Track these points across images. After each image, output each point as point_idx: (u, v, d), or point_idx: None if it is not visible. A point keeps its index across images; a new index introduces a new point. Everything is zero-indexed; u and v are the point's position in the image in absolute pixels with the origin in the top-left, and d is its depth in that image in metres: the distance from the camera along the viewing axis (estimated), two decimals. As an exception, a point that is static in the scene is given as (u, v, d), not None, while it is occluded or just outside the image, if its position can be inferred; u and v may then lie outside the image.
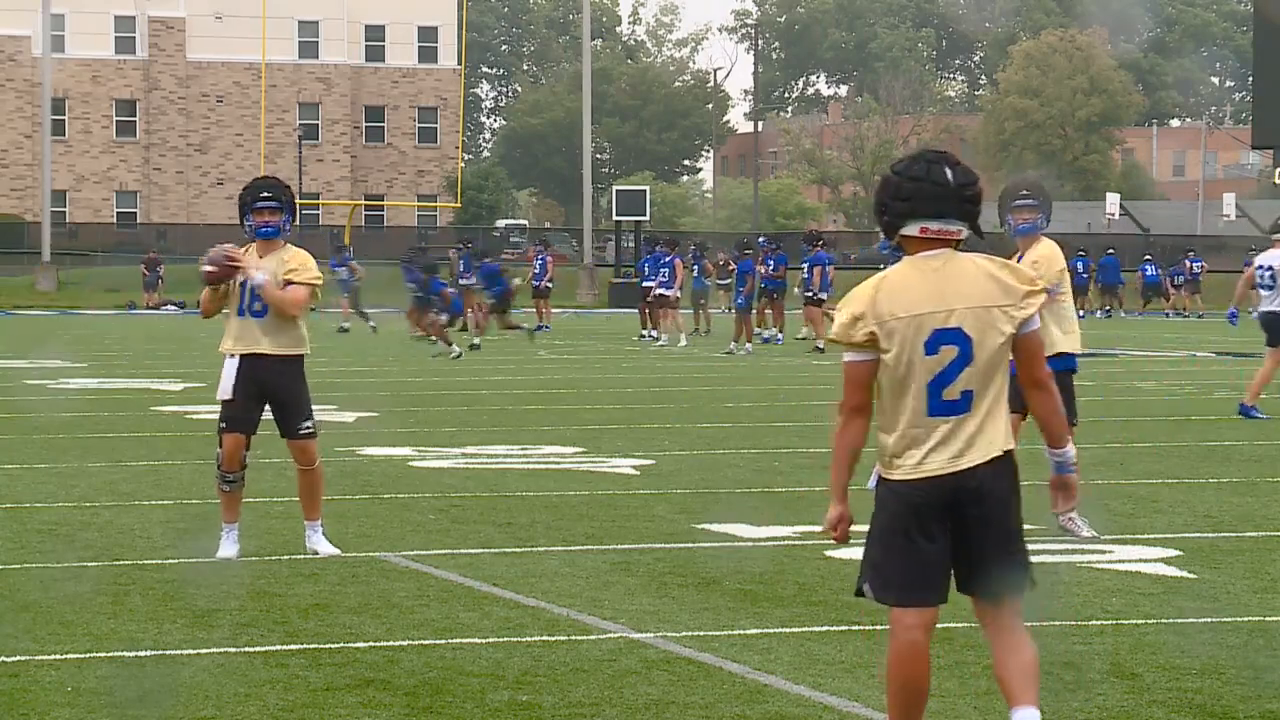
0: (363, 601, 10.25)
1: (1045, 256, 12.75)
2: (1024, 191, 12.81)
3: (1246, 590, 10.69)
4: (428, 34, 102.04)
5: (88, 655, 8.91)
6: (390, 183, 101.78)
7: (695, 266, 45.07)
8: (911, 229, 6.55)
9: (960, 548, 6.53)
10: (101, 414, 22.35)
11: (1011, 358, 6.59)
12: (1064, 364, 12.32)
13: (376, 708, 7.92)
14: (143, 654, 8.97)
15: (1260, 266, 21.89)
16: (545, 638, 9.32)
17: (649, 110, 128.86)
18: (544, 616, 9.86)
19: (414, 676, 8.47)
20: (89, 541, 12.43)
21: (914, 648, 6.58)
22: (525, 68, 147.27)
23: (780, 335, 41.46)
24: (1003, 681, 6.60)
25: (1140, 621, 9.73)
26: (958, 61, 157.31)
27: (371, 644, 9.16)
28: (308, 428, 11.78)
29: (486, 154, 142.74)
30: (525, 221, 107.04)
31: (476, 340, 39.21)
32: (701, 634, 9.38)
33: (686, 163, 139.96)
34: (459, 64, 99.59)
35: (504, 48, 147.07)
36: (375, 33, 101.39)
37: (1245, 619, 9.82)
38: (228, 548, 11.70)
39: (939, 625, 6.73)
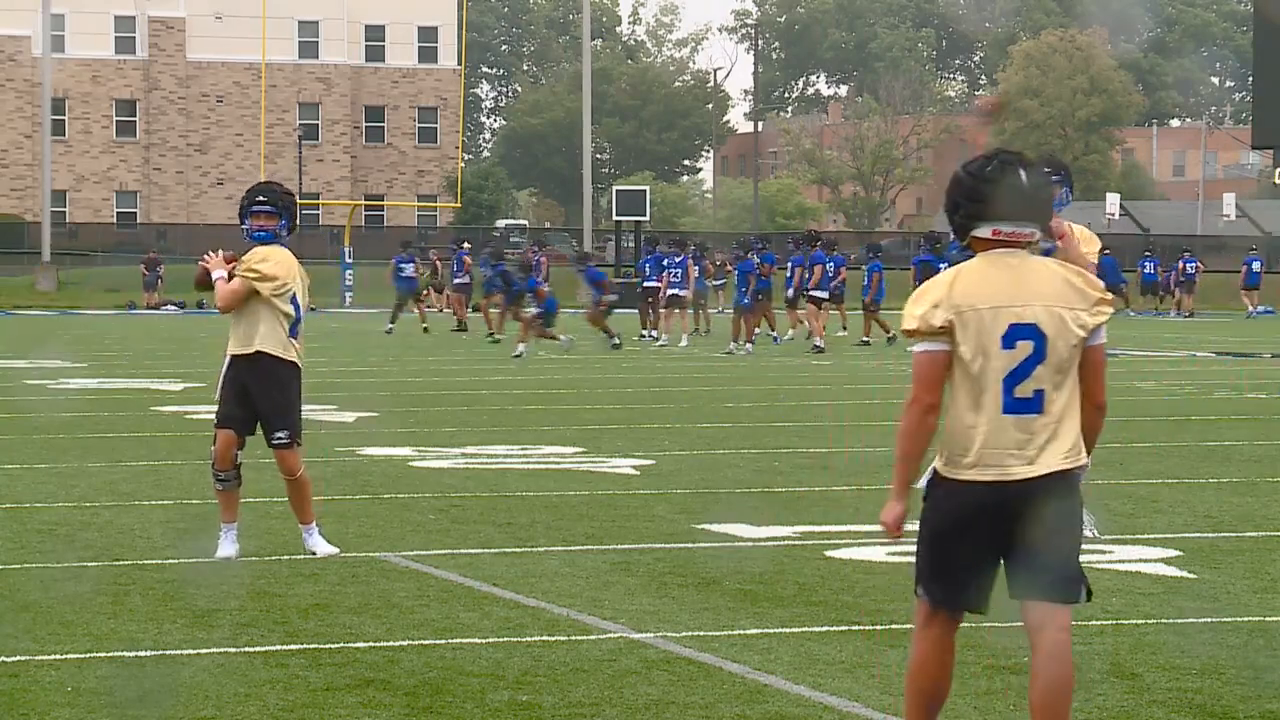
0: (363, 601, 10.25)
1: (1087, 236, 12.73)
2: (1046, 168, 12.69)
3: (1246, 590, 10.69)
4: (428, 34, 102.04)
5: (88, 655, 8.91)
6: (390, 183, 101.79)
7: (696, 267, 45.06)
8: (984, 231, 6.50)
9: (1016, 549, 6.44)
10: (101, 414, 22.35)
11: None
12: None
13: (376, 708, 7.92)
14: (143, 654, 8.97)
15: None
16: (545, 638, 9.32)
17: (649, 110, 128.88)
18: (544, 616, 9.86)
19: (414, 676, 8.47)
20: (89, 541, 12.43)
21: (946, 650, 6.54)
22: (525, 68, 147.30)
23: (776, 335, 41.56)
24: (1031, 703, 6.53)
25: (1140, 621, 9.73)
26: (958, 61, 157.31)
27: (371, 644, 9.16)
28: (281, 438, 11.71)
29: (486, 154, 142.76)
30: (525, 221, 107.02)
31: (499, 337, 39.56)
32: (701, 634, 9.38)
33: (686, 163, 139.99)
34: (459, 64, 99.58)
35: (504, 48, 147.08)
36: (375, 33, 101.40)
37: (1245, 619, 9.83)
38: (226, 548, 11.70)
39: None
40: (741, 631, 9.46)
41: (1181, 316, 62.66)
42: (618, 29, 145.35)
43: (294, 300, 11.71)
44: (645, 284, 43.75)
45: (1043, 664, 6.47)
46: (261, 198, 11.82)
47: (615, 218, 74.23)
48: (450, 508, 14.08)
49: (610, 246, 78.48)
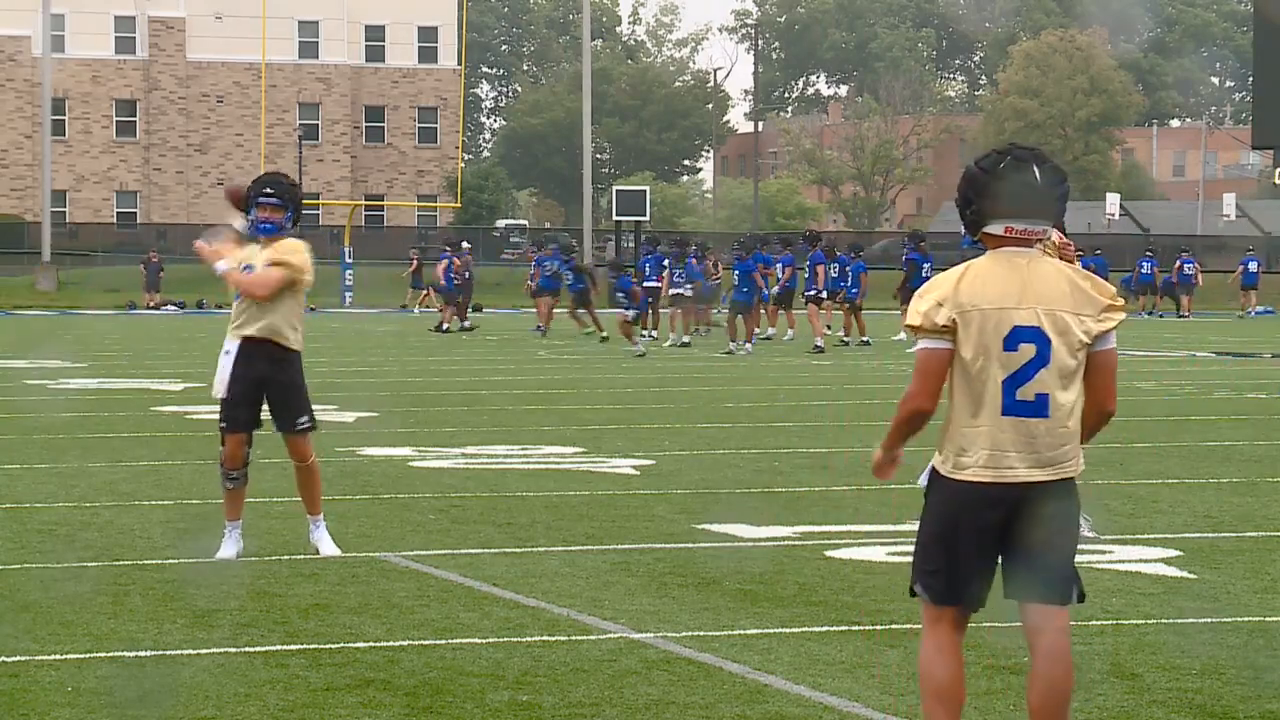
0: (363, 601, 10.25)
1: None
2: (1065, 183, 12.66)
3: (1246, 590, 10.69)
4: (428, 34, 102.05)
5: (88, 655, 8.91)
6: (390, 183, 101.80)
7: (699, 267, 45.06)
8: (996, 228, 6.47)
9: (1014, 550, 6.43)
10: (101, 414, 22.35)
11: None
12: None
13: (376, 708, 7.92)
14: (143, 654, 8.97)
15: None
16: (545, 638, 9.31)
17: (649, 110, 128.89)
18: (544, 616, 9.86)
19: (414, 676, 8.47)
20: (89, 541, 12.43)
21: (954, 647, 6.50)
22: (525, 68, 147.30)
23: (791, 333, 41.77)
24: (1030, 705, 6.53)
25: (1140, 621, 9.73)
26: (958, 61, 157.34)
27: (371, 644, 9.16)
28: (304, 423, 11.71)
29: (486, 154, 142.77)
30: (525, 221, 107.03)
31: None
32: (701, 634, 9.38)
33: (686, 163, 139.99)
34: (459, 64, 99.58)
35: (504, 48, 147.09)
36: (375, 33, 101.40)
37: (1245, 619, 9.83)
38: (229, 547, 11.68)
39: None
40: (741, 631, 9.46)
41: (1179, 317, 62.65)
42: (618, 29, 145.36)
43: None
44: (645, 284, 43.74)
45: (1042, 665, 6.47)
46: (269, 189, 11.71)
47: (615, 218, 74.25)
48: (450, 508, 14.08)
49: (610, 246, 78.50)
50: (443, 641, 9.25)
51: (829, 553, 11.86)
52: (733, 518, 13.39)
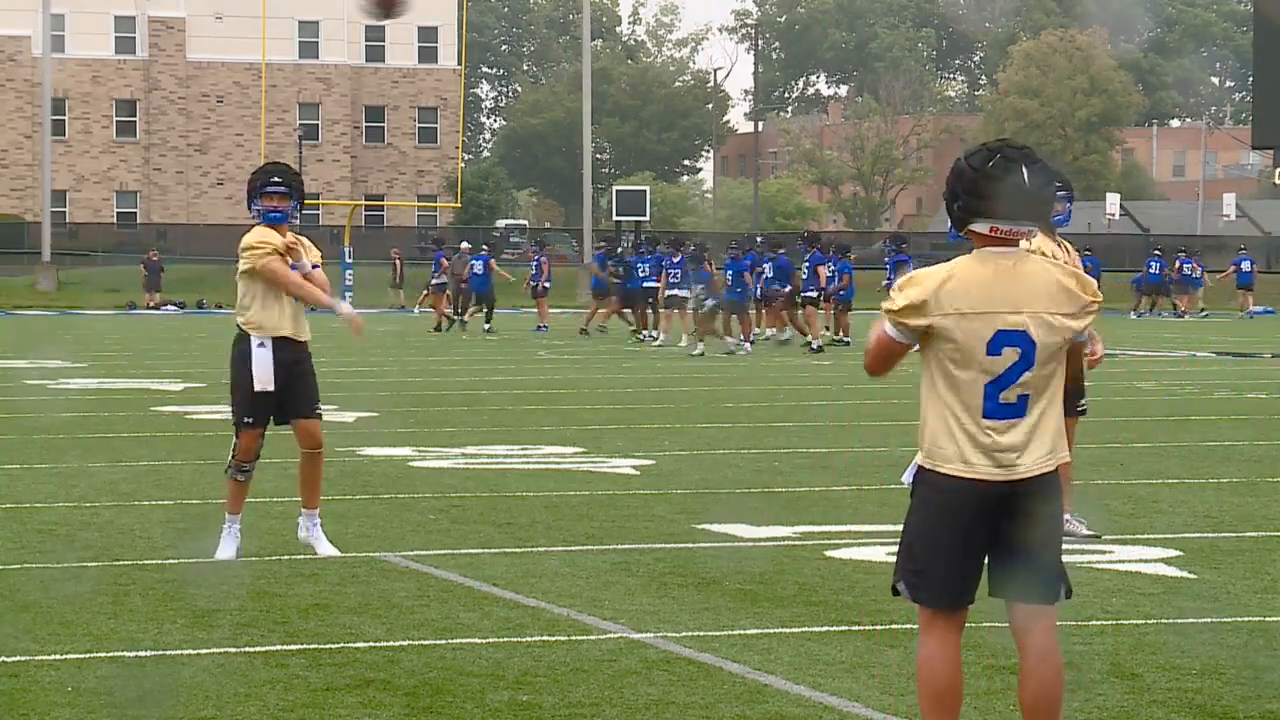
0: (363, 601, 10.25)
1: (1077, 258, 12.81)
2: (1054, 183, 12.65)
3: (1246, 590, 10.69)
4: (428, 34, 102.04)
5: (88, 655, 8.91)
6: (390, 183, 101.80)
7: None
8: (981, 227, 6.41)
9: (999, 549, 6.42)
10: (101, 414, 22.35)
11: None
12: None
13: (376, 708, 7.92)
14: (143, 654, 8.97)
15: None
16: (545, 638, 9.31)
17: (649, 110, 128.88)
18: (544, 616, 9.86)
19: (414, 676, 8.47)
20: (89, 541, 12.43)
21: (952, 651, 6.46)
22: (525, 68, 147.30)
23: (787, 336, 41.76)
24: (1020, 701, 6.53)
25: (1140, 621, 9.73)
26: (958, 61, 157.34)
27: (371, 644, 9.16)
28: (320, 410, 11.81)
29: (486, 154, 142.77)
30: (525, 221, 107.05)
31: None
32: (701, 634, 9.37)
33: (686, 163, 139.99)
34: (459, 64, 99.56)
35: (504, 48, 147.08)
36: (375, 33, 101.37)
37: (1245, 619, 9.83)
38: (229, 545, 11.64)
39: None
40: (741, 631, 9.45)
41: (1177, 317, 62.68)
42: (618, 29, 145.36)
43: None
44: (644, 284, 43.76)
45: (1034, 665, 6.46)
46: (277, 179, 11.73)
47: (615, 218, 74.27)
48: (450, 508, 14.08)
49: (631, 245, 78.42)
50: (443, 641, 9.25)
51: (829, 553, 11.86)
52: (733, 518, 13.39)
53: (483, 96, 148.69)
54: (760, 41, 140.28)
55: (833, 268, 40.41)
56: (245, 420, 11.70)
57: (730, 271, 38.14)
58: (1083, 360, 12.62)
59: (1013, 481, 6.38)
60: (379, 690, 8.21)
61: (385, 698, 8.08)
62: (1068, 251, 12.72)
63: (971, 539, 6.41)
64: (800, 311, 39.85)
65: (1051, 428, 6.43)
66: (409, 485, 15.46)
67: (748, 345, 37.42)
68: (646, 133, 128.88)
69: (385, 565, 11.48)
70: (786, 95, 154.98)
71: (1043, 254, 6.62)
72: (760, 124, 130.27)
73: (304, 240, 11.93)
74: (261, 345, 11.62)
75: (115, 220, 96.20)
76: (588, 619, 9.76)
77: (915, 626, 6.68)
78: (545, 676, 8.45)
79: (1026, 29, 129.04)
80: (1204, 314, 63.29)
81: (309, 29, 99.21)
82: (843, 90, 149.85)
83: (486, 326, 46.97)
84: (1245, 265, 64.05)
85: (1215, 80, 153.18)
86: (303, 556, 11.71)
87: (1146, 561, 11.59)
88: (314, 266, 11.82)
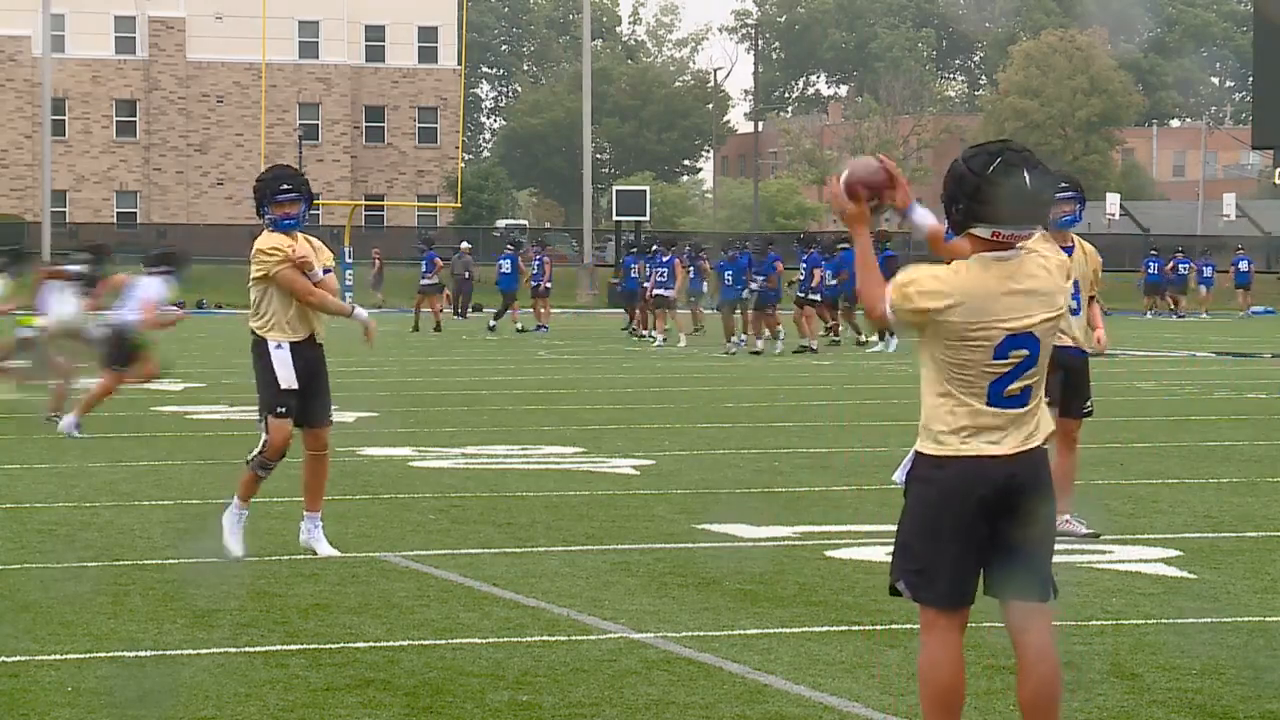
0: (363, 601, 10.25)
1: (1094, 253, 12.87)
2: (1063, 184, 12.68)
3: (1246, 590, 10.69)
4: (428, 34, 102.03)
5: (88, 655, 8.91)
6: (390, 183, 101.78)
7: (691, 267, 45.09)
8: (983, 231, 6.39)
9: (997, 548, 6.42)
10: (101, 414, 22.33)
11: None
12: (1082, 353, 12.53)
13: (376, 708, 7.92)
14: (143, 654, 8.97)
15: None
16: (545, 638, 9.31)
17: (649, 110, 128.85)
18: (544, 616, 9.86)
19: (414, 676, 8.47)
20: (89, 541, 12.43)
21: (954, 650, 6.44)
22: (525, 68, 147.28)
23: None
24: (1019, 699, 6.52)
25: (1140, 621, 9.73)
26: (958, 61, 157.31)
27: (371, 644, 9.16)
28: (332, 416, 12.02)
29: (486, 154, 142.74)
30: (525, 221, 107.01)
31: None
32: (701, 634, 9.37)
33: (686, 163, 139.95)
34: (459, 64, 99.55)
35: (504, 48, 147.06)
36: (375, 33, 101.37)
37: (1245, 619, 9.83)
38: (234, 539, 11.61)
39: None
40: (741, 631, 9.45)
41: (1170, 316, 62.71)
42: (618, 29, 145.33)
43: None
44: (645, 285, 43.83)
45: (1032, 663, 6.46)
46: (287, 185, 11.74)
47: (615, 218, 74.20)
48: (450, 508, 14.08)
49: (610, 246, 78.51)
50: (443, 641, 9.25)
51: (829, 553, 11.86)
52: (733, 518, 13.39)
53: (483, 96, 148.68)
54: (760, 41, 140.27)
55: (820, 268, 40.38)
56: (279, 410, 11.74)
57: (729, 271, 38.13)
58: (1089, 368, 12.68)
59: (1011, 457, 6.39)
60: (379, 690, 8.21)
61: (385, 698, 8.08)
62: (1083, 249, 12.76)
63: (971, 533, 6.40)
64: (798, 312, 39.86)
65: (1044, 410, 6.55)
66: (409, 485, 15.46)
67: (743, 338, 37.43)
68: (646, 133, 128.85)
69: (385, 565, 11.48)
70: (786, 95, 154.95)
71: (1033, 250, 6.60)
72: (760, 124, 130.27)
73: (314, 242, 11.93)
74: (279, 347, 11.67)
75: (115, 220, 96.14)
76: (588, 619, 9.76)
77: (916, 626, 6.68)
78: (545, 676, 8.45)
79: (1026, 29, 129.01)
80: (1188, 314, 63.35)
81: (309, 29, 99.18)
82: (843, 90, 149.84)
83: (492, 324, 47.10)
84: (1243, 265, 64.18)
85: (1215, 80, 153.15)
86: (303, 556, 11.71)
87: (1146, 561, 11.59)
88: (326, 271, 11.85)
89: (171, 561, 11.63)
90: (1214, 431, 20.54)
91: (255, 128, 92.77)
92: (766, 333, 37.57)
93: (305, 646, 9.10)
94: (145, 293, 20.18)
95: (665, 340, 40.89)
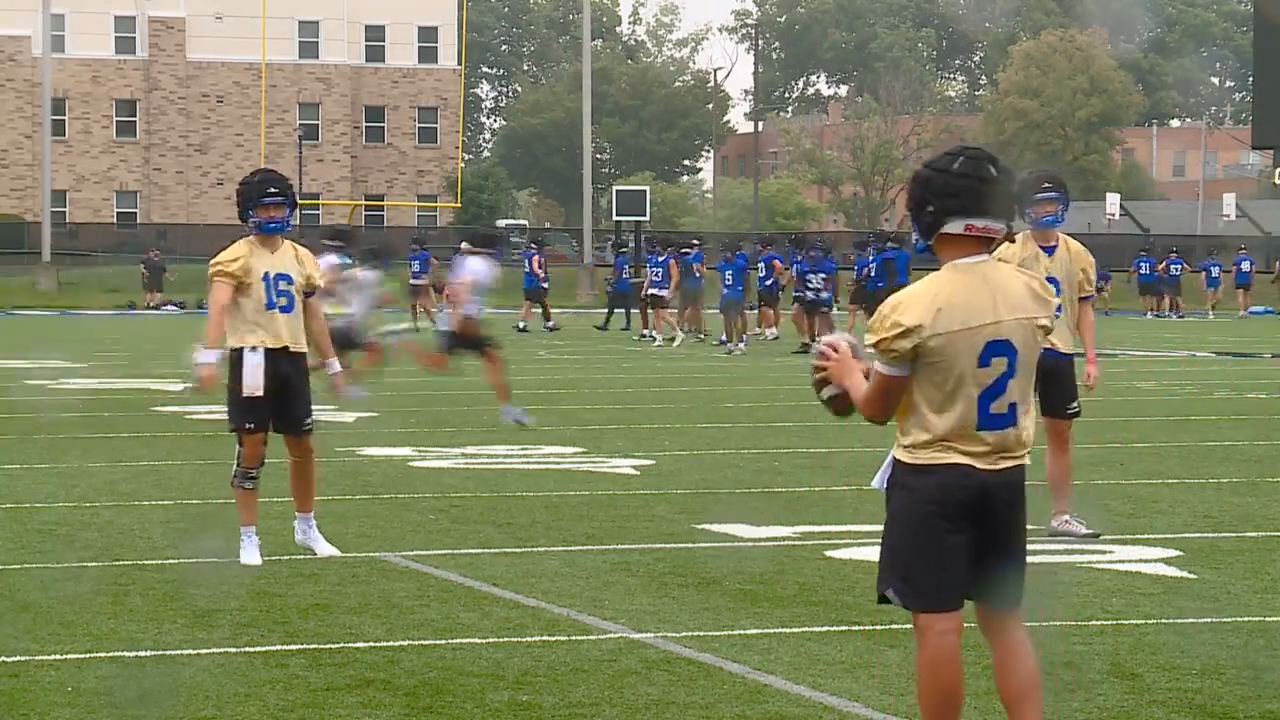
0: (363, 601, 10.25)
1: (1083, 253, 12.74)
2: (1046, 184, 12.57)
3: (1246, 590, 10.69)
4: (428, 34, 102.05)
5: (88, 655, 8.91)
6: (390, 183, 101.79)
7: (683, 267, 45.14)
8: (956, 226, 6.37)
9: (980, 551, 6.41)
10: (101, 414, 22.34)
11: None
12: (1061, 354, 12.39)
13: (376, 708, 7.92)
14: (143, 654, 8.97)
15: None
16: (545, 638, 9.31)
17: (649, 110, 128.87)
18: (544, 616, 9.86)
19: (414, 676, 8.47)
20: (89, 541, 12.43)
21: (950, 653, 6.41)
22: (525, 68, 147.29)
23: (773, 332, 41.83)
24: (1003, 694, 6.52)
25: (1140, 621, 9.73)
26: (958, 61, 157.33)
27: (371, 644, 9.16)
28: (309, 424, 11.77)
29: (486, 154, 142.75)
30: (525, 221, 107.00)
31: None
32: (701, 634, 9.38)
33: (686, 163, 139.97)
34: (459, 64, 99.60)
35: (504, 48, 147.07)
36: (375, 33, 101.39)
37: (1245, 619, 9.83)
38: (253, 554, 11.55)
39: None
40: (741, 631, 9.45)
41: (1170, 316, 62.66)
42: (618, 29, 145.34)
43: None
44: (629, 284, 44.00)
45: (1016, 657, 6.47)
46: (274, 189, 11.68)
47: (615, 218, 74.22)
48: (450, 508, 14.08)
49: (610, 246, 78.50)
50: (443, 641, 9.25)
51: (829, 553, 11.86)
52: (733, 518, 13.39)
53: (483, 96, 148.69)
54: (760, 41, 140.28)
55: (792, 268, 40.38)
56: (246, 426, 11.67)
57: (729, 272, 38.13)
58: (1073, 370, 12.63)
59: (995, 471, 6.39)
60: (379, 690, 8.21)
61: (385, 698, 8.08)
62: (1068, 248, 12.69)
63: (954, 536, 6.39)
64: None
65: (1030, 426, 6.52)
66: (409, 485, 15.46)
67: (743, 344, 37.43)
68: (646, 133, 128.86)
69: (385, 565, 11.48)
70: (786, 95, 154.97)
71: (1003, 260, 6.60)
72: (760, 124, 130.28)
73: (304, 254, 11.82)
74: (253, 350, 11.61)
75: (115, 220, 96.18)
76: (588, 619, 9.76)
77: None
78: (545, 676, 8.45)
79: (1026, 29, 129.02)
80: (1188, 315, 63.34)
81: (309, 29, 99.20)
82: (843, 90, 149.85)
83: (522, 326, 47.41)
84: (1245, 265, 64.22)
85: (1215, 80, 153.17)
86: (303, 556, 11.71)
87: (1146, 561, 11.59)
88: (309, 294, 11.74)
89: (171, 561, 11.63)
90: (1214, 431, 20.54)
91: (255, 128, 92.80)
92: (766, 332, 37.60)
93: (305, 646, 9.10)
94: (470, 275, 21.32)
95: (664, 340, 40.90)
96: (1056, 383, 12.22)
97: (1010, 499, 6.43)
